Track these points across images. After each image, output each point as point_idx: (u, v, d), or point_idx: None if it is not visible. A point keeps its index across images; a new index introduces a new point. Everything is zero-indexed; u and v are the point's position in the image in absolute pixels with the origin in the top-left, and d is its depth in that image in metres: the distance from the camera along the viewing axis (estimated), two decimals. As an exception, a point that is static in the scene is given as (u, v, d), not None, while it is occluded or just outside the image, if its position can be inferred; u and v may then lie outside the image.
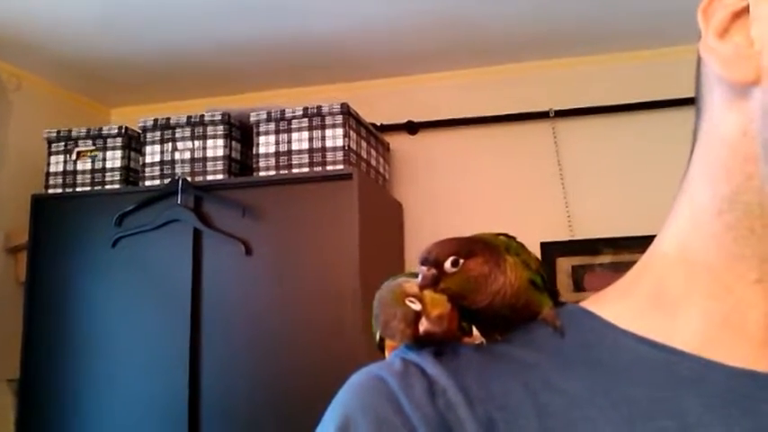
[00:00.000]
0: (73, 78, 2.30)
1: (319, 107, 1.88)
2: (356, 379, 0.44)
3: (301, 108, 1.89)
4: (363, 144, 1.99)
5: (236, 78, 2.32)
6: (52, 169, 2.03)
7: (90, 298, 1.91)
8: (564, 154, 2.20)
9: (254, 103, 2.13)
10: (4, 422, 1.98)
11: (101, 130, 2.03)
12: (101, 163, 2.01)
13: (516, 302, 0.45)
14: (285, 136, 1.90)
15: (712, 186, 0.41)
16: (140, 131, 2.02)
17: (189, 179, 1.89)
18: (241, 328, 1.79)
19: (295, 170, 1.87)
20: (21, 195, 2.03)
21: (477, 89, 2.30)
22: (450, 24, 1.99)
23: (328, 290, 1.76)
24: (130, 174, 2.03)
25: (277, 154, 1.90)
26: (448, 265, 0.43)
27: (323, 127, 1.88)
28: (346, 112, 1.87)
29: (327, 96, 2.09)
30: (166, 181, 1.92)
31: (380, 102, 2.29)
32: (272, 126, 1.91)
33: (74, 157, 2.02)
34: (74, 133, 2.04)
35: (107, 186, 2.00)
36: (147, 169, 1.98)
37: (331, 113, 1.88)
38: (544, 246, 2.10)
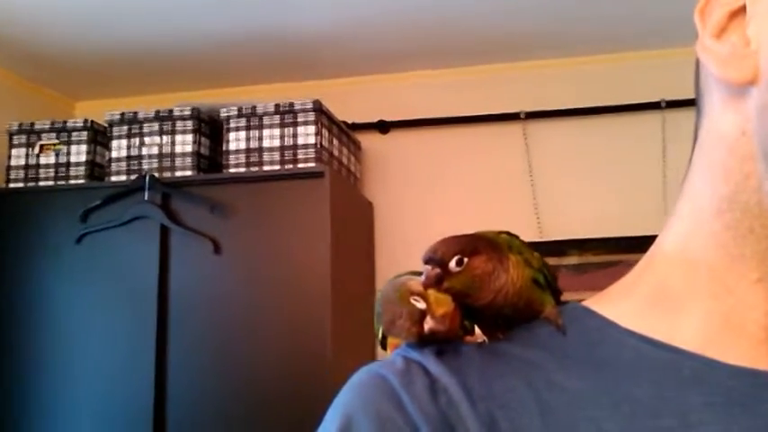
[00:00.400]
0: (36, 70, 2.24)
1: (291, 104, 1.86)
2: (358, 377, 0.44)
3: (273, 104, 1.87)
4: (335, 142, 1.98)
5: (206, 73, 2.28)
6: (13, 163, 1.97)
7: (53, 296, 1.86)
8: (534, 156, 2.22)
9: (224, 99, 2.10)
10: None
11: (65, 123, 1.98)
12: (65, 157, 1.96)
13: (518, 301, 0.45)
14: (256, 132, 1.88)
15: (711, 186, 0.41)
16: (106, 125, 1.97)
17: (156, 175, 1.85)
18: (209, 329, 1.76)
19: (266, 167, 1.85)
20: (-20, 189, 1.97)
21: (449, 90, 2.30)
22: (424, 24, 1.98)
23: (299, 289, 1.75)
24: (96, 169, 1.98)
25: (247, 150, 1.87)
26: (453, 264, 0.43)
27: (295, 124, 1.86)
28: (318, 109, 1.86)
29: (298, 93, 2.07)
30: (133, 176, 1.88)
31: (352, 100, 2.28)
32: (242, 122, 1.89)
33: (36, 150, 1.97)
34: (37, 126, 1.98)
35: (71, 181, 1.95)
36: (114, 164, 1.93)
37: (303, 110, 1.86)
38: (513, 246, 2.11)
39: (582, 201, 2.16)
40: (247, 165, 1.86)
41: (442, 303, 0.43)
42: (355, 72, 2.30)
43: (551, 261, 2.18)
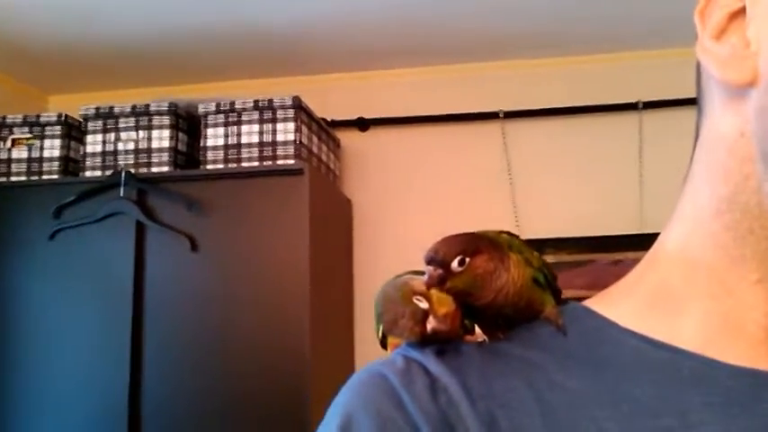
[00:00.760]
0: (8, 62, 2.18)
1: (270, 100, 1.84)
2: (358, 376, 0.43)
3: (252, 100, 1.85)
4: (315, 139, 1.97)
5: (184, 68, 2.25)
6: (-16, 157, 1.93)
7: (25, 294, 1.82)
8: (513, 154, 2.23)
9: (202, 94, 2.07)
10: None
11: (38, 117, 1.94)
12: (38, 152, 1.92)
13: (519, 301, 0.45)
14: (234, 129, 1.86)
15: (711, 187, 0.41)
16: (81, 120, 1.93)
17: (132, 171, 1.82)
18: (185, 328, 1.74)
19: (244, 164, 1.83)
20: (-50, 184, 1.91)
21: (429, 88, 2.30)
22: (404, 22, 1.98)
23: (277, 288, 1.73)
24: (70, 164, 1.94)
25: (226, 147, 1.85)
26: (455, 264, 0.43)
27: (274, 120, 1.84)
28: (298, 105, 1.84)
29: (277, 90, 2.05)
30: (108, 172, 1.84)
31: (332, 97, 2.27)
32: (220, 118, 1.86)
33: (8, 144, 1.92)
34: (8, 120, 1.93)
35: (45, 176, 1.91)
36: (88, 159, 1.89)
37: (282, 107, 1.84)
38: (492, 245, 2.12)
39: (559, 200, 2.18)
40: (225, 161, 1.84)
41: (445, 303, 0.43)
42: (335, 69, 2.29)
43: (529, 260, 2.21)
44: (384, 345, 0.51)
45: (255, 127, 1.85)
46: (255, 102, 1.85)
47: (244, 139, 1.85)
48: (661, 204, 2.07)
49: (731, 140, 0.39)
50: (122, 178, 1.79)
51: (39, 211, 1.83)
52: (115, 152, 1.88)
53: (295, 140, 1.83)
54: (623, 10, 1.93)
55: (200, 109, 1.87)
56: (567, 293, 0.50)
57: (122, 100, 1.98)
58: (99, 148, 1.89)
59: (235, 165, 1.83)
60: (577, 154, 2.19)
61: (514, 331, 0.46)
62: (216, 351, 1.72)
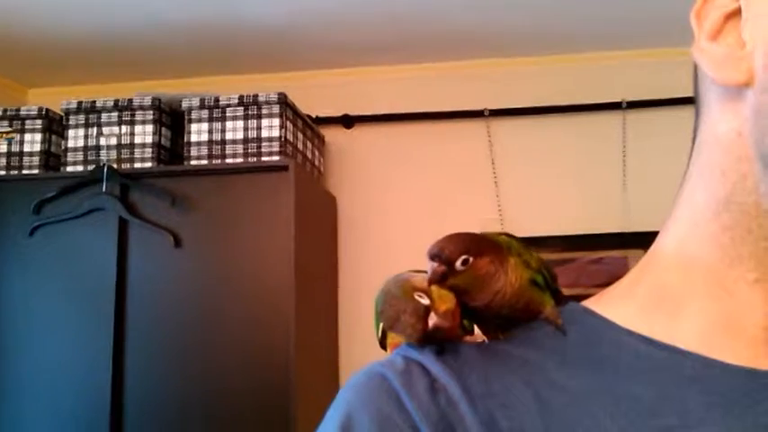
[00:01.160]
0: (-14, 54, 2.15)
1: (255, 96, 1.83)
2: (358, 377, 0.43)
3: (236, 96, 1.84)
4: (300, 136, 1.96)
5: (167, 63, 2.23)
6: (-37, 151, 1.90)
7: (5, 291, 1.79)
8: (498, 153, 2.23)
9: (186, 89, 2.05)
10: None
11: (18, 110, 1.91)
12: (18, 146, 1.89)
13: (516, 303, 0.45)
14: (219, 124, 1.84)
15: (709, 187, 0.41)
16: (62, 114, 1.91)
17: (115, 166, 1.80)
18: (168, 325, 1.72)
19: (228, 160, 1.82)
20: (-74, 178, 1.88)
21: (415, 85, 2.30)
22: (390, 19, 1.97)
23: (261, 285, 1.72)
24: (51, 158, 1.91)
25: (210, 143, 1.84)
26: (459, 263, 0.43)
27: (259, 116, 1.83)
28: (283, 102, 1.83)
29: (262, 86, 2.04)
30: (90, 167, 1.82)
31: (317, 94, 2.26)
32: (204, 113, 1.85)
33: (-13, 138, 1.89)
34: (-13, 113, 1.90)
35: (25, 171, 1.88)
36: (70, 154, 1.87)
37: (267, 103, 1.83)
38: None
39: (543, 198, 2.19)
40: (209, 157, 1.83)
41: (446, 300, 0.43)
42: (321, 66, 2.28)
43: (513, 258, 2.21)
44: (383, 345, 0.51)
45: (240, 123, 1.83)
46: (240, 97, 1.84)
47: (228, 136, 1.83)
48: (644, 203, 2.10)
49: (728, 141, 0.40)
50: (105, 173, 1.77)
51: (19, 207, 1.80)
52: (97, 147, 1.86)
53: (280, 137, 1.82)
54: (608, 10, 1.94)
55: (184, 104, 1.86)
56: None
57: (105, 94, 1.96)
58: (81, 143, 1.87)
59: (219, 161, 1.82)
60: (561, 153, 2.20)
61: (514, 332, 0.46)
62: (199, 348, 1.70)
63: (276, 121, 1.82)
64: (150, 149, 1.85)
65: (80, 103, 1.88)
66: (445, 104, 2.25)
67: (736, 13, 0.38)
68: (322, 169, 2.18)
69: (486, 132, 2.24)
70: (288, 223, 1.72)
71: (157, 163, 1.85)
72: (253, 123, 1.83)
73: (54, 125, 1.93)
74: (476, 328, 0.49)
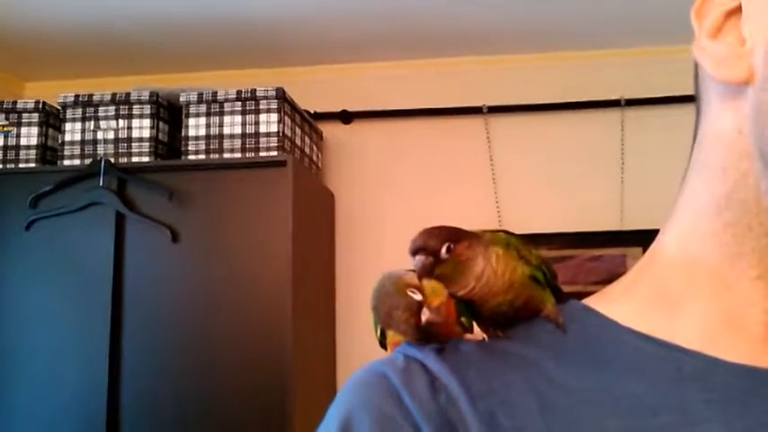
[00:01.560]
0: (-17, 47, 2.14)
1: (253, 90, 1.83)
2: (358, 375, 0.43)
3: (234, 91, 1.83)
4: (298, 131, 1.95)
5: (166, 57, 2.22)
6: (-41, 144, 1.89)
7: (0, 286, 1.78)
8: (496, 150, 2.23)
9: (184, 84, 2.05)
10: None
11: (15, 104, 1.90)
12: (14, 139, 1.88)
13: (516, 300, 0.46)
14: (216, 119, 1.84)
15: (710, 185, 0.41)
16: (59, 108, 1.90)
17: (112, 160, 1.80)
18: (166, 321, 1.72)
19: (226, 155, 1.81)
20: None
21: (413, 81, 2.30)
22: (388, 14, 1.97)
23: (259, 280, 1.72)
24: (48, 152, 1.91)
25: (207, 137, 1.83)
26: (443, 251, 0.44)
27: (257, 111, 1.83)
28: (282, 97, 1.83)
29: (259, 81, 2.03)
30: (87, 161, 1.81)
31: (315, 89, 2.25)
32: (202, 108, 1.84)
33: (-16, 131, 1.88)
34: (-17, 106, 1.90)
35: (21, 165, 1.87)
36: (67, 148, 1.86)
37: (266, 98, 1.83)
38: (474, 240, 2.12)
39: (541, 195, 2.19)
40: (207, 152, 1.82)
41: (438, 294, 0.44)
42: (319, 61, 2.28)
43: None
44: (383, 344, 0.51)
45: (238, 118, 1.83)
46: (238, 92, 1.83)
47: (226, 130, 1.83)
48: (642, 201, 2.10)
49: (729, 138, 0.40)
50: (102, 167, 1.76)
51: (15, 201, 1.80)
52: (94, 141, 1.85)
53: (278, 132, 1.81)
54: (607, 7, 1.94)
55: (182, 98, 1.85)
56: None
57: (102, 88, 1.95)
58: (78, 137, 1.86)
59: (217, 156, 1.81)
60: (560, 150, 2.20)
61: (514, 330, 0.46)
62: (196, 343, 1.70)
63: (274, 117, 1.82)
64: (148, 144, 1.85)
65: (77, 96, 1.87)
66: (443, 101, 2.25)
67: (737, 10, 0.38)
68: (320, 165, 2.18)
69: (484, 129, 2.24)
70: (285, 219, 1.72)
71: (155, 157, 1.84)
72: (251, 118, 1.82)
73: (51, 119, 1.92)
74: (476, 326, 0.49)
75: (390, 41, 2.16)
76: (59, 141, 1.88)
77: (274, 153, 1.79)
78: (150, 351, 1.71)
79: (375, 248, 2.20)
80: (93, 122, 1.86)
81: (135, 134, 1.85)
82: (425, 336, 0.45)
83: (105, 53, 2.19)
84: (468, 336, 0.48)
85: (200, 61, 2.26)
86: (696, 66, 0.43)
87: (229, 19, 1.97)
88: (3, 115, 1.89)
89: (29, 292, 1.77)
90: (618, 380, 0.40)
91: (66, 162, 1.85)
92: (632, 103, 2.17)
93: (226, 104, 1.83)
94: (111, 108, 1.86)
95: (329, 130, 2.27)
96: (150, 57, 2.22)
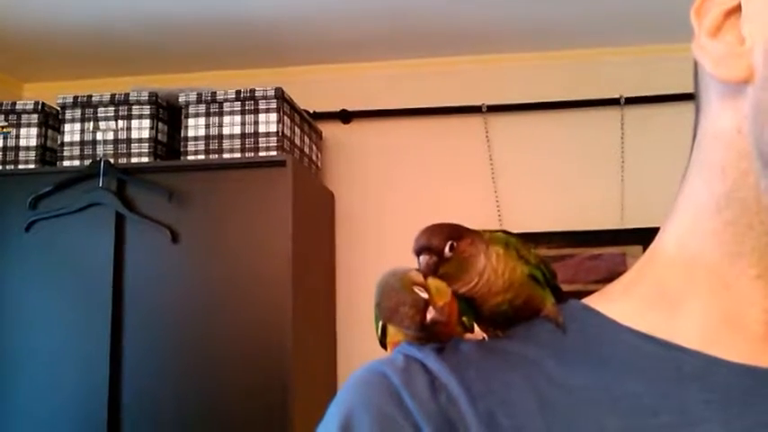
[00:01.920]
0: (-19, 48, 2.14)
1: (252, 90, 1.83)
2: (358, 375, 0.43)
3: (234, 91, 1.83)
4: (297, 131, 1.95)
5: (164, 57, 2.22)
6: (-42, 145, 1.89)
7: (0, 287, 1.78)
8: (495, 149, 2.23)
9: (183, 84, 2.04)
10: None
11: (14, 105, 1.90)
12: (14, 140, 1.88)
13: (515, 299, 0.46)
14: (216, 119, 1.84)
15: (709, 184, 0.41)
16: (59, 108, 1.90)
17: (112, 161, 1.80)
18: (166, 321, 1.72)
19: (226, 155, 1.81)
20: None
21: (412, 81, 2.30)
22: (387, 14, 1.97)
23: (259, 280, 1.72)
24: (47, 153, 1.90)
25: (207, 138, 1.83)
26: (447, 250, 0.44)
27: (256, 111, 1.83)
28: (281, 96, 1.83)
29: (258, 81, 2.03)
30: (87, 162, 1.81)
31: (314, 89, 2.25)
32: (202, 108, 1.84)
33: (-17, 133, 1.88)
34: (-17, 107, 1.89)
35: (21, 166, 1.87)
36: (66, 149, 1.86)
37: (265, 98, 1.82)
38: (474, 239, 2.12)
39: (541, 194, 2.18)
40: (207, 152, 1.82)
41: (443, 295, 0.44)
42: (318, 60, 2.27)
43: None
44: (383, 343, 0.51)
45: (237, 118, 1.83)
46: (237, 92, 1.83)
47: (225, 130, 1.83)
48: (642, 200, 2.10)
49: (728, 137, 0.40)
50: (101, 168, 1.76)
51: (14, 202, 1.79)
52: (94, 142, 1.85)
53: (278, 132, 1.81)
54: (607, 5, 1.94)
55: (181, 99, 1.85)
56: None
57: (101, 89, 1.95)
58: (77, 138, 1.86)
59: (216, 156, 1.81)
60: (559, 149, 2.20)
61: (514, 329, 0.46)
62: (196, 343, 1.70)
63: (273, 117, 1.82)
64: (147, 144, 1.84)
65: (76, 97, 1.87)
66: (443, 100, 2.25)
67: (736, 9, 0.38)
68: (319, 164, 2.18)
69: (483, 128, 2.24)
70: (285, 219, 1.72)
71: (154, 158, 1.84)
72: (250, 118, 1.82)
73: (50, 120, 1.92)
74: (476, 326, 0.49)
75: (389, 41, 2.16)
76: (59, 142, 1.88)
77: (274, 153, 1.79)
78: (151, 351, 1.71)
79: (375, 248, 2.20)
80: (92, 123, 1.86)
81: (134, 135, 1.85)
82: (427, 334, 0.45)
83: (104, 54, 2.18)
84: (468, 335, 0.48)
85: (199, 61, 2.26)
86: (696, 64, 0.43)
87: (228, 19, 1.97)
88: (2, 116, 1.89)
89: (29, 294, 1.77)
90: (617, 379, 0.40)
91: (66, 163, 1.85)
92: (632, 101, 2.17)
93: (225, 105, 1.83)
94: (111, 109, 1.86)
95: (329, 129, 2.27)
96: (149, 57, 2.22)
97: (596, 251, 2.11)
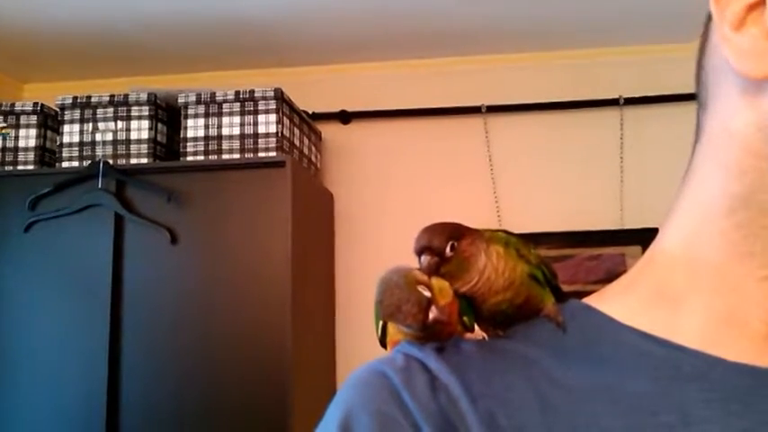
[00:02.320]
0: (-19, 49, 2.14)
1: (252, 91, 1.82)
2: (358, 374, 0.43)
3: (233, 91, 1.83)
4: (296, 132, 1.95)
5: (164, 58, 2.22)
6: (-43, 146, 1.89)
7: (-1, 287, 1.78)
8: (495, 149, 2.23)
9: (182, 85, 2.04)
10: None
11: (13, 105, 1.90)
12: (13, 141, 1.88)
13: (516, 297, 0.46)
14: (215, 120, 1.83)
15: (723, 184, 0.40)
16: (58, 109, 1.90)
17: (111, 162, 1.80)
18: (165, 322, 1.72)
19: (225, 156, 1.81)
20: None
21: (412, 81, 2.30)
22: (387, 14, 1.97)
23: (258, 281, 1.71)
24: (46, 154, 1.90)
25: (206, 138, 1.83)
26: (448, 250, 0.44)
27: (255, 112, 1.83)
28: (280, 97, 1.83)
29: (257, 81, 2.03)
30: (86, 163, 1.81)
31: (314, 89, 2.25)
32: (201, 109, 1.84)
33: (-18, 134, 1.88)
34: (-18, 108, 1.89)
35: (20, 167, 1.87)
36: (65, 150, 1.86)
37: (264, 98, 1.82)
38: (474, 239, 2.12)
39: (541, 195, 2.18)
40: (206, 153, 1.82)
41: (445, 294, 0.44)
42: (317, 61, 2.27)
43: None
44: (383, 343, 0.51)
45: (237, 119, 1.83)
46: (237, 93, 1.83)
47: (225, 131, 1.83)
48: (641, 200, 2.10)
49: (746, 136, 0.38)
50: (100, 169, 1.76)
51: (13, 203, 1.79)
52: (93, 143, 1.85)
53: (277, 133, 1.81)
54: (606, 6, 1.94)
55: (180, 100, 1.85)
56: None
57: (100, 90, 1.95)
58: (76, 139, 1.86)
59: (215, 157, 1.81)
60: (559, 149, 2.20)
61: (514, 329, 0.46)
62: (196, 344, 1.70)
63: (273, 117, 1.82)
64: (146, 145, 1.84)
65: (75, 98, 1.87)
66: (442, 100, 2.25)
67: (759, 4, 0.37)
68: (319, 165, 2.18)
69: (483, 129, 2.24)
70: (285, 220, 1.71)
71: (153, 159, 1.84)
72: (249, 119, 1.82)
73: (49, 120, 1.92)
74: (476, 325, 0.49)
75: (388, 41, 2.16)
76: (58, 143, 1.87)
77: (273, 154, 1.79)
78: (150, 352, 1.71)
79: (374, 248, 2.19)
80: (91, 124, 1.86)
81: (133, 136, 1.85)
82: (428, 334, 0.45)
83: (103, 55, 2.18)
84: (469, 335, 0.48)
85: (199, 62, 2.26)
86: (699, 58, 0.41)
87: (227, 20, 1.97)
88: (1, 117, 1.89)
89: (28, 294, 1.77)
90: (617, 379, 0.40)
91: (65, 164, 1.85)
92: (631, 101, 2.17)
93: (224, 105, 1.83)
94: (110, 110, 1.86)
95: (328, 130, 2.27)
96: (148, 58, 2.22)
97: (595, 251, 2.11)
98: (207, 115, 1.83)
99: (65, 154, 1.86)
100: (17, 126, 1.89)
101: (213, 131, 1.83)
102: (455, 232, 0.45)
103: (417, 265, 0.45)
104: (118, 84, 2.22)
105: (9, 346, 1.75)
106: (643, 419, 0.38)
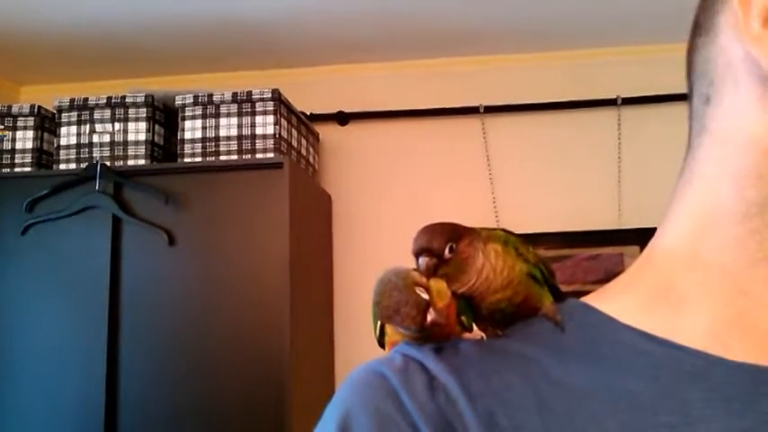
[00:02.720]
0: (-23, 52, 2.13)
1: (249, 92, 1.82)
2: (356, 375, 0.43)
3: (230, 93, 1.83)
4: (294, 133, 1.95)
5: (161, 59, 2.21)
6: (-46, 149, 1.88)
7: (-4, 289, 1.78)
8: (492, 150, 2.23)
9: (179, 86, 2.04)
10: None
11: (10, 108, 1.90)
12: (10, 143, 1.88)
13: (514, 296, 0.45)
14: (213, 121, 1.83)
15: (736, 189, 0.39)
16: (55, 111, 1.90)
17: (108, 164, 1.79)
18: (163, 323, 1.71)
19: (223, 157, 1.81)
20: None
21: (409, 82, 2.30)
22: (384, 15, 1.97)
23: (256, 283, 1.71)
24: (43, 156, 1.90)
25: (204, 140, 1.83)
26: (446, 251, 0.44)
27: (253, 113, 1.83)
28: (277, 98, 1.82)
29: (255, 83, 2.03)
30: (83, 165, 1.81)
31: (311, 91, 2.25)
32: (198, 110, 1.84)
33: (-21, 136, 1.88)
34: (-21, 111, 1.89)
35: (17, 169, 1.87)
36: (62, 152, 1.86)
37: (262, 100, 1.82)
38: (472, 240, 2.12)
39: (539, 195, 2.18)
40: (203, 154, 1.82)
41: (443, 297, 0.44)
42: (315, 62, 2.27)
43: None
44: (381, 343, 0.51)
45: (234, 120, 1.83)
46: (234, 94, 1.83)
47: (222, 132, 1.83)
48: (639, 200, 2.09)
49: (766, 141, 0.37)
50: (98, 171, 1.76)
51: (11, 205, 1.79)
52: (90, 145, 1.85)
53: (274, 134, 1.81)
54: (603, 6, 1.94)
55: (178, 101, 1.85)
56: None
57: (98, 91, 1.95)
58: (73, 141, 1.86)
59: (213, 158, 1.81)
60: (556, 149, 2.20)
61: (513, 328, 0.46)
62: (194, 346, 1.70)
63: (270, 118, 1.81)
64: (144, 147, 1.84)
65: (73, 100, 1.87)
66: (440, 101, 2.25)
67: None
68: (316, 166, 2.18)
69: (480, 129, 2.24)
70: (282, 221, 1.71)
71: (151, 160, 1.84)
72: (247, 120, 1.82)
73: (46, 123, 1.92)
74: (474, 325, 0.49)
75: (386, 42, 2.16)
76: (55, 145, 1.87)
77: (271, 155, 1.79)
78: (148, 353, 1.71)
79: (373, 250, 2.19)
80: (88, 126, 1.86)
81: (131, 137, 1.85)
82: (426, 335, 0.44)
83: (101, 57, 2.18)
84: (467, 335, 0.48)
85: (196, 63, 2.25)
86: (700, 54, 0.41)
87: (225, 21, 1.96)
88: (-2, 119, 1.89)
89: (26, 297, 1.76)
90: (617, 378, 0.39)
91: (62, 166, 1.85)
92: (628, 101, 2.17)
93: (222, 107, 1.83)
94: (107, 111, 1.86)
95: (325, 131, 2.27)
96: (145, 59, 2.21)
97: (594, 251, 2.11)
98: (204, 117, 1.83)
99: (62, 156, 1.85)
100: (14, 128, 1.89)
101: (211, 133, 1.82)
102: (454, 233, 0.45)
103: (415, 266, 0.45)
104: (115, 85, 2.22)
105: (7, 348, 1.75)
106: (643, 419, 0.37)
